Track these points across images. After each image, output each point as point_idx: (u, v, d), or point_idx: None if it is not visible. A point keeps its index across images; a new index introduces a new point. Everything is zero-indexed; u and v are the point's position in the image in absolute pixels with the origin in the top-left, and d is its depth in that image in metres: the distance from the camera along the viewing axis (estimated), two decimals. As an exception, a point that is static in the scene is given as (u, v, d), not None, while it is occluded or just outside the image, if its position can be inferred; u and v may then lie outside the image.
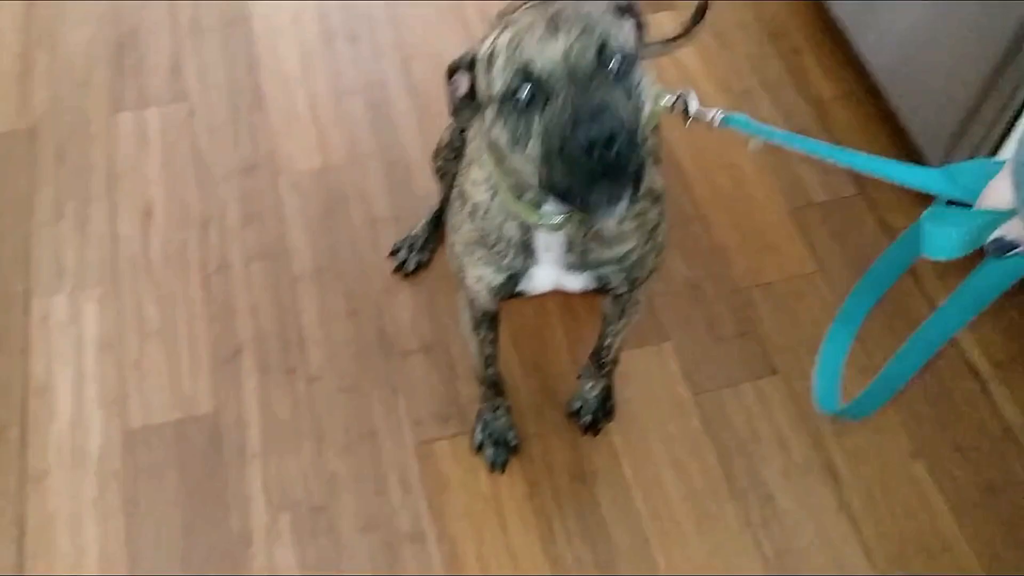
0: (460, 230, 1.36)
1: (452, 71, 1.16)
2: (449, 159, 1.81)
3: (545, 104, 1.04)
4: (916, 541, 1.68)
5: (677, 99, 1.17)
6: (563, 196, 1.07)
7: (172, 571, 1.64)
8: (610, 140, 0.99)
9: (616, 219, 1.18)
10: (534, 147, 1.06)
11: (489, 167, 1.26)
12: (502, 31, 1.09)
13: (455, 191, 1.39)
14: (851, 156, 1.09)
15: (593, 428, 1.78)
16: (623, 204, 1.05)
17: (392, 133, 2.23)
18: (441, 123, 2.18)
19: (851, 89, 2.27)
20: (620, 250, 1.31)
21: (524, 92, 1.04)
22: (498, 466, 1.74)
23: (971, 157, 1.85)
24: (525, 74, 1.04)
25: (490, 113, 1.10)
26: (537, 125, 1.05)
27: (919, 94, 2.00)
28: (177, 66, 2.37)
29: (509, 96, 1.05)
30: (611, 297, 1.52)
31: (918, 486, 1.74)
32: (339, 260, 2.02)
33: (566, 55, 1.03)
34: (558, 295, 1.52)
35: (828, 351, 1.24)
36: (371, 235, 2.05)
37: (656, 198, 1.33)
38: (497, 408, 1.74)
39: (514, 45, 1.05)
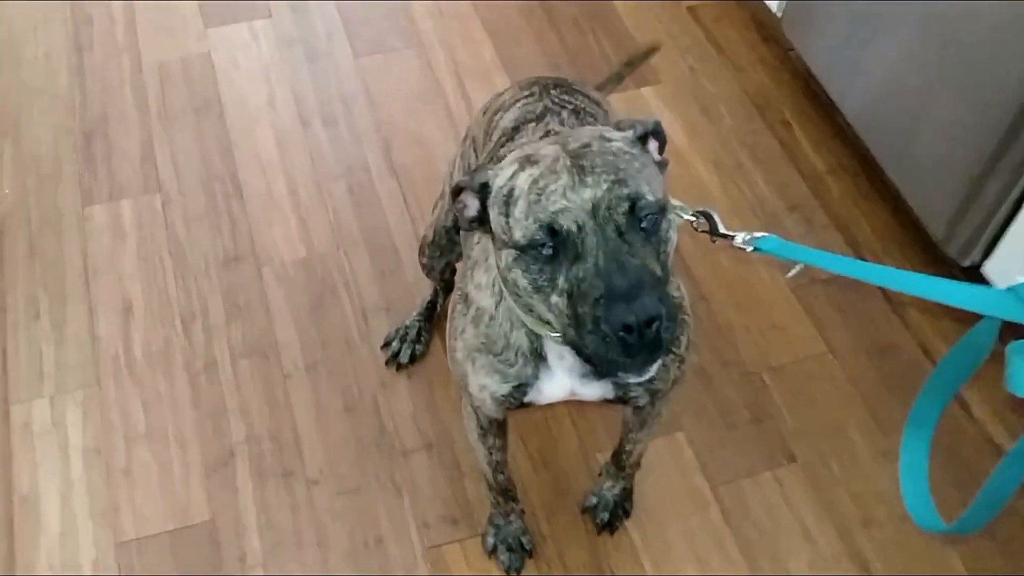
0: (463, 335, 1.31)
1: (457, 191, 1.14)
2: (434, 256, 1.81)
3: (573, 259, 1.02)
4: (953, 635, 1.68)
5: (699, 218, 1.20)
6: (589, 359, 1.06)
7: None
8: (649, 321, 0.98)
9: (646, 376, 1.13)
10: (559, 302, 1.05)
11: (494, 273, 1.22)
12: (522, 167, 1.07)
13: (457, 293, 1.37)
14: (900, 277, 1.11)
15: (610, 527, 1.76)
16: (655, 368, 1.05)
17: (377, 217, 2.23)
18: (427, 206, 2.19)
19: (844, 161, 2.32)
20: None
21: (548, 248, 1.03)
22: (513, 571, 1.71)
23: (978, 233, 1.89)
24: (551, 230, 1.02)
25: (507, 255, 1.07)
26: (563, 282, 1.04)
27: (916, 166, 2.04)
28: (149, 154, 2.35)
29: (532, 248, 1.04)
30: (631, 407, 1.49)
31: None
32: (331, 354, 1.99)
33: (595, 210, 1.01)
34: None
35: (908, 464, 1.22)
36: (363, 326, 2.03)
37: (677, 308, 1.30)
38: (510, 513, 1.70)
39: (537, 192, 1.03)
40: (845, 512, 1.78)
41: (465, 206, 1.13)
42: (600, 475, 1.78)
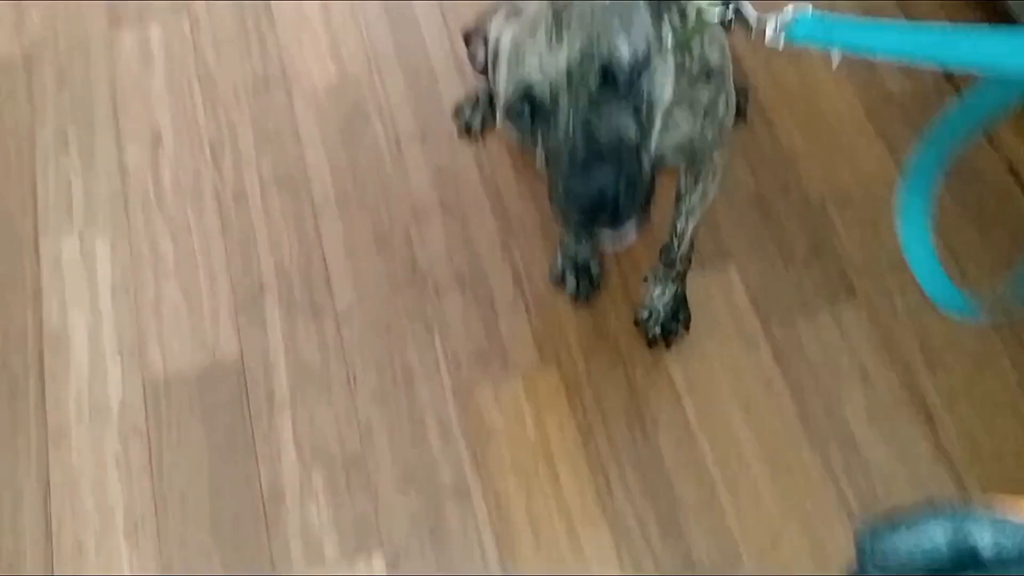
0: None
1: (467, 37, 1.16)
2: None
3: (549, 123, 1.05)
4: (1024, 485, 1.55)
5: (728, 10, 1.06)
6: (568, 222, 1.09)
7: (200, 533, 1.57)
8: (605, 191, 1.01)
9: (626, 244, 1.13)
10: (541, 162, 1.08)
11: None
12: (507, 19, 1.07)
13: None
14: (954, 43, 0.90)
15: (665, 339, 1.66)
16: (629, 234, 1.08)
17: (413, 36, 2.07)
18: (470, 20, 2.03)
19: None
20: (675, 137, 1.24)
21: (526, 112, 1.06)
22: (582, 296, 1.69)
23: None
24: (525, 93, 1.04)
25: (500, 109, 1.10)
26: (541, 142, 1.07)
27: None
28: (178, -28, 2.21)
29: (513, 110, 1.07)
30: (683, 167, 1.45)
31: (1027, 423, 1.59)
32: (363, 185, 1.89)
33: (569, 75, 1.02)
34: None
35: (910, 232, 1.09)
36: (396, 154, 1.92)
37: (709, 75, 1.23)
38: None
39: (515, 55, 1.05)
40: (908, 353, 1.64)
41: (474, 54, 1.16)
42: (645, 280, 1.66)
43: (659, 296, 1.64)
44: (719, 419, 1.62)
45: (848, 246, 1.74)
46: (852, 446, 1.57)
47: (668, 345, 1.66)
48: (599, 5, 1.03)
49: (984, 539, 0.62)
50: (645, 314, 1.67)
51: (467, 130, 1.91)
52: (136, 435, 1.67)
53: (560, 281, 1.70)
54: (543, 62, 1.02)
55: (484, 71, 1.14)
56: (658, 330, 1.66)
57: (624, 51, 1.02)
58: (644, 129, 1.05)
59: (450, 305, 1.75)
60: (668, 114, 1.14)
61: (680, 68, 1.14)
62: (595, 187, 1.01)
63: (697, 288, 1.72)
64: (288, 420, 1.66)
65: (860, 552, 0.66)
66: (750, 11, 1.05)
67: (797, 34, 1.02)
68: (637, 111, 1.05)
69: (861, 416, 1.60)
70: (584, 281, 1.69)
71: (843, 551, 1.50)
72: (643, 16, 1.06)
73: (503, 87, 1.07)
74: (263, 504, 1.59)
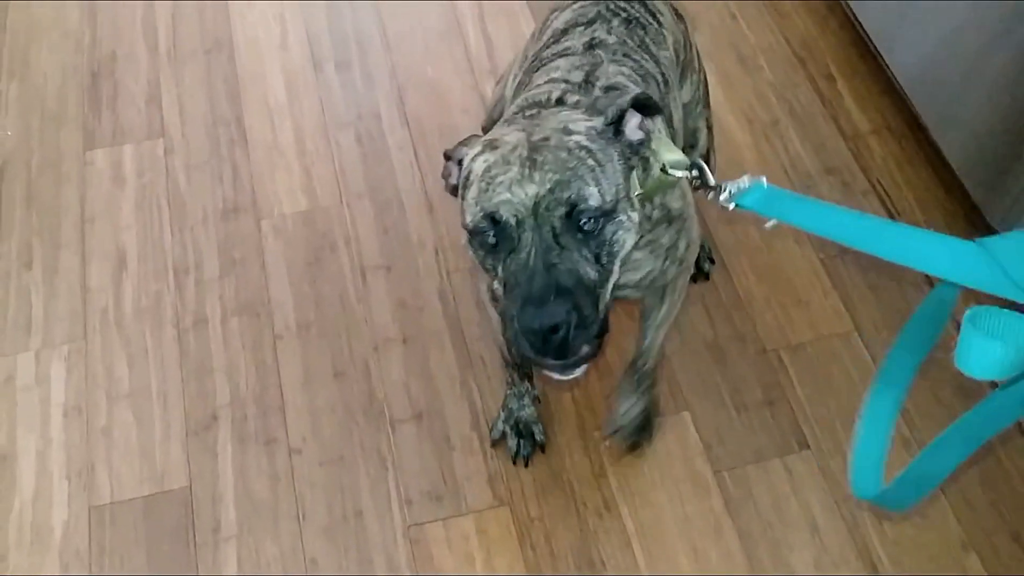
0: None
1: (447, 155, 1.20)
2: None
3: (510, 252, 1.08)
4: (965, 642, 1.56)
5: (692, 170, 1.13)
6: (518, 351, 1.10)
7: (135, 672, 1.54)
8: (559, 327, 1.04)
9: (572, 377, 1.17)
10: (499, 289, 1.11)
11: None
12: (484, 150, 1.12)
13: None
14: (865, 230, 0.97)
15: (633, 447, 1.72)
16: (577, 372, 1.12)
17: (385, 170, 2.14)
18: (438, 159, 2.09)
19: (890, 121, 2.15)
20: (635, 276, 1.29)
21: (490, 236, 1.09)
22: (522, 458, 1.70)
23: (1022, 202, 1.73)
24: (492, 220, 1.08)
25: (464, 233, 1.13)
26: (501, 271, 1.10)
27: (963, 130, 1.88)
28: (155, 96, 2.28)
29: (477, 233, 1.10)
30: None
31: (969, 580, 1.61)
32: (325, 315, 1.91)
33: (536, 207, 1.06)
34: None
35: (869, 423, 1.11)
36: (360, 285, 1.95)
37: (671, 219, 1.29)
38: (523, 395, 1.69)
39: (487, 180, 1.08)
40: (857, 507, 1.66)
41: (450, 173, 1.20)
42: (613, 395, 1.71)
43: (626, 413, 1.69)
44: (668, 564, 1.63)
45: (802, 397, 1.78)
46: (799, 600, 1.58)
47: (637, 454, 1.72)
48: (576, 151, 1.08)
49: None
50: (614, 428, 1.71)
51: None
52: (77, 561, 1.65)
53: (500, 442, 1.72)
54: (513, 190, 1.06)
55: (454, 192, 1.18)
56: (627, 444, 1.71)
57: (593, 197, 1.06)
58: (603, 273, 1.09)
59: (405, 439, 1.76)
60: (628, 256, 1.18)
61: (643, 216, 1.19)
62: (549, 322, 1.03)
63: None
64: (233, 553, 1.65)
65: None
66: (709, 176, 1.11)
67: (746, 202, 1.07)
68: (598, 256, 1.09)
69: (808, 567, 1.61)
70: (527, 443, 1.70)
71: None
72: (616, 168, 1.11)
73: (471, 208, 1.10)
74: (201, 641, 1.56)
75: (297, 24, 2.41)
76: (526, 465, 1.71)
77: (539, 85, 1.35)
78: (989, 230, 1.85)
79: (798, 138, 2.14)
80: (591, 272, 1.08)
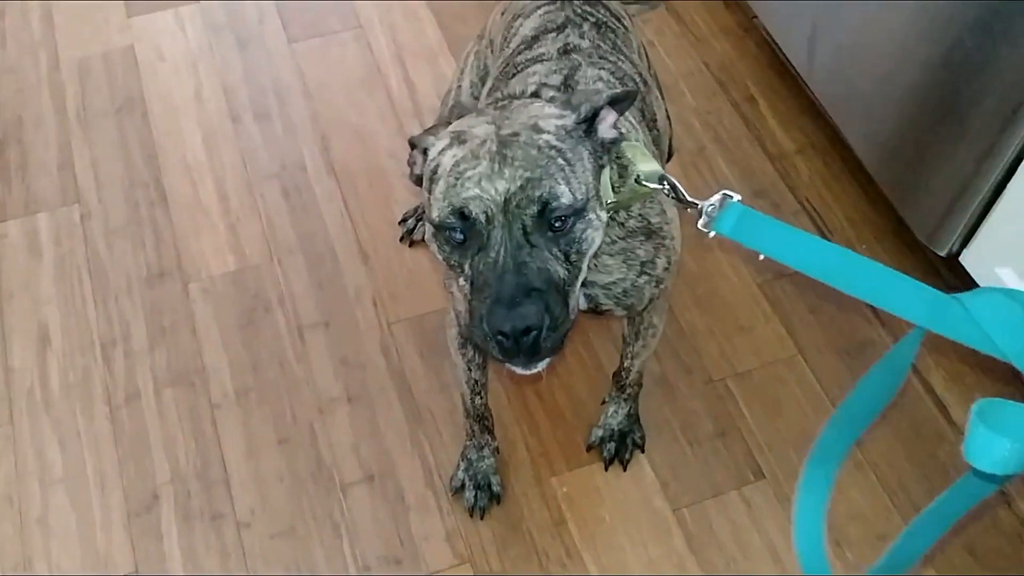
0: None
1: (412, 146, 1.18)
2: None
3: (478, 249, 1.07)
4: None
5: (664, 183, 1.13)
6: (483, 346, 1.09)
7: None
8: (529, 326, 1.03)
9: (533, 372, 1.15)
10: (465, 286, 1.10)
11: None
12: (451, 143, 1.10)
13: None
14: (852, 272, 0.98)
15: (620, 459, 1.73)
16: (540, 366, 1.10)
17: (314, 222, 2.10)
18: (368, 206, 2.08)
19: (815, 140, 2.19)
20: (603, 278, 1.28)
21: (458, 232, 1.07)
22: (478, 511, 1.69)
23: (954, 221, 1.76)
24: (461, 215, 1.06)
25: (428, 228, 1.12)
26: (468, 268, 1.09)
27: (886, 146, 1.92)
28: (67, 161, 2.21)
29: (444, 229, 1.08)
30: (627, 320, 1.51)
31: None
32: (264, 379, 1.87)
33: (506, 204, 1.05)
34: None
35: (805, 503, 1.12)
36: (299, 345, 1.91)
37: (649, 234, 1.29)
38: (483, 447, 1.68)
39: (456, 175, 1.06)
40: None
41: (414, 162, 1.18)
42: (603, 403, 1.75)
43: (613, 415, 1.72)
44: (637, 609, 1.62)
45: (752, 426, 1.79)
46: (767, 633, 1.59)
47: (624, 466, 1.73)
48: (545, 149, 1.07)
49: None
50: (599, 433, 1.74)
51: (409, 238, 2.02)
52: (19, 665, 1.57)
53: (459, 491, 1.71)
54: (483, 185, 1.04)
55: (418, 182, 1.17)
56: (612, 447, 1.72)
57: (565, 196, 1.05)
58: (572, 271, 1.09)
59: (358, 503, 1.72)
60: (598, 258, 1.21)
61: (614, 220, 1.21)
62: (522, 324, 1.03)
63: (608, 475, 1.74)
64: (187, 639, 1.59)
65: None
66: (682, 191, 1.12)
67: (724, 227, 1.07)
68: (567, 255, 1.08)
69: (775, 599, 1.62)
70: (484, 495, 1.69)
71: None
72: (585, 167, 1.10)
73: (438, 203, 1.08)
74: None
75: (211, 76, 2.36)
76: (482, 517, 1.69)
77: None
78: (917, 245, 1.89)
79: (725, 163, 2.16)
80: (561, 271, 1.07)
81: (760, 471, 1.74)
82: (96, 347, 1.91)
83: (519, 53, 1.46)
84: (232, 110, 2.30)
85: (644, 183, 1.15)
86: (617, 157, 1.19)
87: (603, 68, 1.39)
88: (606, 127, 1.14)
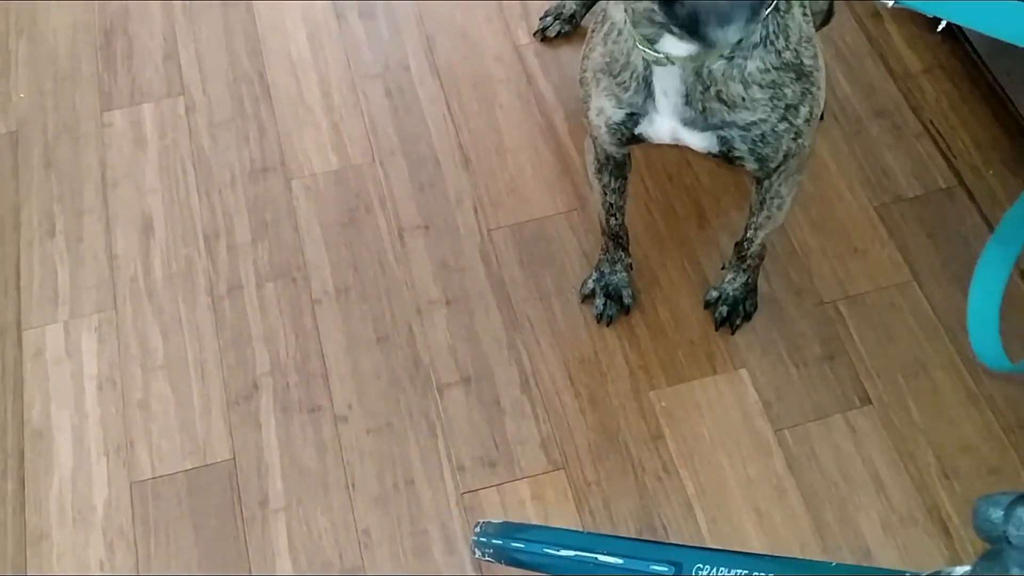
0: (593, 53, 1.36)
1: None
2: None
3: None
4: (1038, 597, 1.54)
5: None
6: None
7: (190, 649, 1.54)
8: None
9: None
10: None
11: None
12: None
13: (599, 10, 1.38)
14: None
15: (729, 323, 1.77)
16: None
17: (417, 124, 2.09)
18: (471, 110, 2.06)
19: (943, 60, 2.10)
20: (745, 116, 1.28)
21: None
22: (605, 318, 1.77)
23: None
24: None
25: None
26: None
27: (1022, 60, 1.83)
28: (172, 53, 2.23)
29: None
30: (755, 183, 1.52)
31: (1038, 532, 1.59)
32: (364, 278, 1.89)
33: None
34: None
35: (980, 287, 1.07)
36: (398, 247, 1.92)
37: (800, 74, 1.27)
38: (616, 262, 1.75)
39: None
40: (924, 462, 1.65)
41: None
42: (723, 268, 1.80)
43: (730, 281, 1.75)
44: (731, 527, 1.61)
45: (862, 351, 1.75)
46: (866, 557, 1.57)
47: (732, 330, 1.77)
48: None
49: None
50: (715, 294, 1.77)
51: (543, 32, 2.17)
52: (122, 539, 1.64)
53: (589, 299, 1.79)
54: None
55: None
56: (724, 310, 1.75)
57: None
58: None
59: (454, 404, 1.74)
60: (746, 88, 1.22)
61: (772, 47, 1.21)
62: None
63: (708, 392, 1.73)
64: (283, 526, 1.64)
65: (987, 521, 0.60)
66: None
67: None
68: None
69: (875, 526, 1.60)
70: (613, 304, 1.77)
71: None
72: None
73: None
74: (257, 617, 1.56)
75: (316, -28, 2.34)
76: (608, 324, 1.77)
77: None
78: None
79: (846, 80, 2.10)
80: None
81: (867, 397, 1.71)
82: (199, 238, 1.94)
83: None
84: (337, 7, 2.29)
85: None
86: None
87: None
88: None
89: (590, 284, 1.79)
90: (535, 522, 1.61)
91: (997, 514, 0.58)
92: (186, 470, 1.69)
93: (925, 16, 2.15)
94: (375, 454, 1.70)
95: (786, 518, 1.62)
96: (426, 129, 2.08)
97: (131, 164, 2.06)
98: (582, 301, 1.79)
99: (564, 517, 1.63)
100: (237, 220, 1.96)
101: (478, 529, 1.40)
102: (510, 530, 1.23)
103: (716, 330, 1.77)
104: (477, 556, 1.43)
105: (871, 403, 1.71)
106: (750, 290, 1.77)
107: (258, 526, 1.64)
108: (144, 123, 2.12)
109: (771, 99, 1.26)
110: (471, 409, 1.74)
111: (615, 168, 1.57)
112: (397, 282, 1.88)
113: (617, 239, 1.72)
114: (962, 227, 1.88)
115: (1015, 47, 1.80)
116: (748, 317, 1.78)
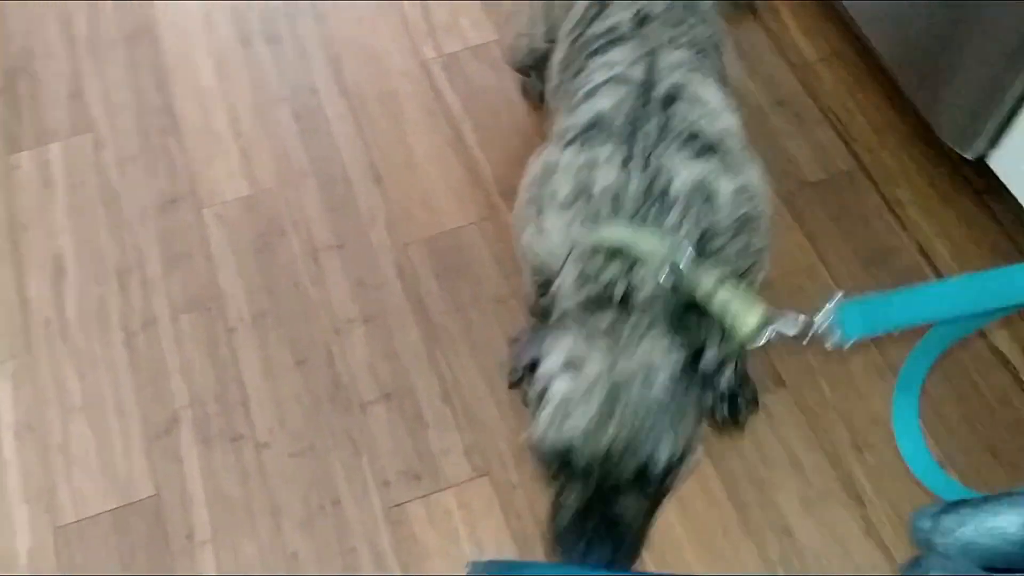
0: None
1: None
2: None
3: (571, 474, 1.09)
4: (957, 562, 1.58)
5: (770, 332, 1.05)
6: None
7: None
8: (601, 559, 1.06)
9: None
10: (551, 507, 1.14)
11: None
12: (565, 369, 1.10)
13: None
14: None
15: (734, 419, 1.68)
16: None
17: (327, 144, 2.10)
18: (381, 128, 2.07)
19: (838, 47, 2.15)
20: None
21: (554, 469, 1.11)
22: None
23: (981, 121, 1.73)
24: (561, 458, 1.09)
25: (532, 443, 1.14)
26: (558, 493, 1.13)
27: (913, 50, 1.87)
28: (78, 90, 2.21)
29: (543, 461, 1.12)
30: None
31: (952, 497, 1.63)
32: (280, 302, 1.88)
33: (606, 457, 1.06)
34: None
35: (903, 432, 1.10)
36: (313, 268, 1.92)
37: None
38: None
39: (564, 411, 1.08)
40: (836, 438, 1.68)
41: (518, 358, 1.26)
42: None
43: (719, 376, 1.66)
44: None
45: (773, 336, 1.78)
46: (787, 533, 1.60)
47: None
48: (655, 401, 1.06)
49: None
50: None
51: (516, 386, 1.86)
52: (48, 584, 1.62)
53: (517, 385, 1.70)
54: (588, 437, 1.06)
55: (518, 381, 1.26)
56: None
57: (663, 456, 1.06)
58: (652, 510, 1.12)
59: (376, 421, 1.75)
60: None
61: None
62: (580, 554, 1.07)
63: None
64: (211, 557, 1.63)
65: (918, 530, 0.63)
66: (790, 323, 1.03)
67: (853, 331, 0.98)
68: (655, 500, 1.11)
69: (794, 503, 1.63)
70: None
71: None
72: (692, 418, 1.11)
73: (541, 429, 1.10)
74: (188, 650, 1.55)
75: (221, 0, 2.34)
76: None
77: (595, 87, 1.33)
78: (943, 151, 1.86)
79: (746, 72, 2.13)
80: (642, 514, 1.10)
81: (781, 379, 1.74)
82: (112, 275, 1.93)
83: (591, 22, 1.42)
84: (242, 34, 2.29)
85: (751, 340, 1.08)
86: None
87: (680, 47, 1.34)
88: (709, 360, 1.13)
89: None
90: (507, 556, 1.60)
91: (926, 524, 0.61)
92: (110, 510, 1.68)
93: (819, 5, 2.19)
94: (299, 477, 1.70)
95: (708, 504, 1.64)
96: (335, 149, 2.08)
97: (40, 205, 2.04)
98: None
99: (491, 522, 1.64)
100: (149, 254, 1.95)
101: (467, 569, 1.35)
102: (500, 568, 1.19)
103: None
104: None
105: (785, 386, 1.73)
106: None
107: (187, 559, 1.63)
108: (52, 163, 2.10)
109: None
110: (393, 425, 1.74)
111: None
112: (314, 304, 1.88)
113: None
114: (863, 207, 1.92)
115: (900, 31, 1.85)
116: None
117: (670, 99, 1.29)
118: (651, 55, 1.33)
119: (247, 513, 1.66)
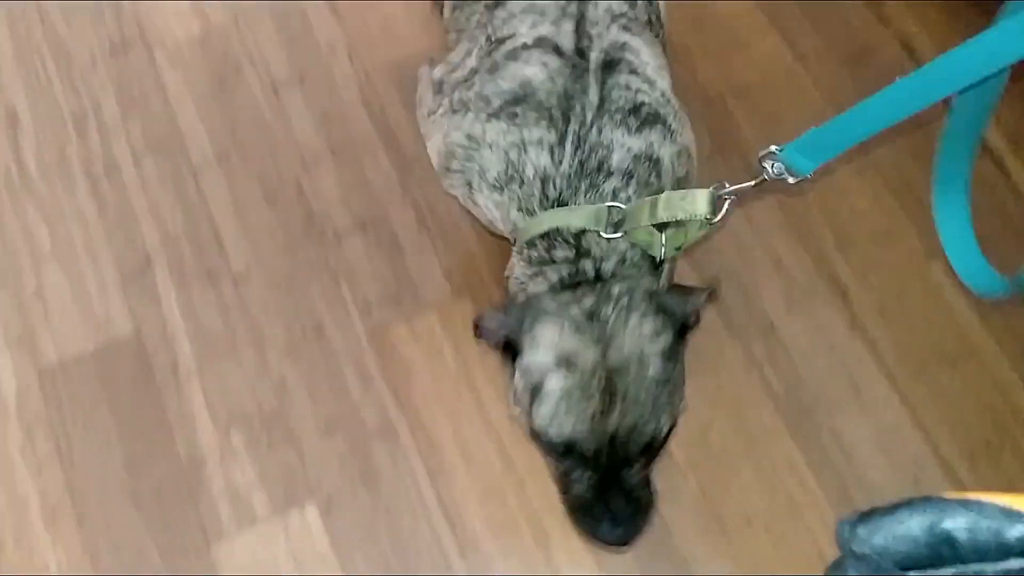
0: None
1: (477, 325, 1.44)
2: None
3: (581, 461, 1.37)
4: (938, 350, 1.84)
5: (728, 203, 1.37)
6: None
7: (123, 512, 1.77)
8: (625, 537, 1.39)
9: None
10: (560, 479, 1.43)
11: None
12: (557, 365, 1.32)
13: None
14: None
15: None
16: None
17: (277, -25, 2.27)
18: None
19: None
20: None
21: (560, 452, 1.36)
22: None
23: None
24: (567, 447, 1.34)
25: (532, 432, 1.41)
26: (567, 474, 1.40)
27: None
28: (9, -62, 2.38)
29: (548, 448, 1.38)
30: None
31: (936, 290, 1.88)
32: (243, 139, 2.09)
33: (614, 438, 1.32)
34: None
35: (947, 226, 1.28)
36: (275, 104, 2.12)
37: None
38: None
39: (566, 407, 1.31)
40: (819, 235, 1.92)
41: (489, 332, 1.45)
42: None
43: None
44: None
45: (751, 138, 2.01)
46: (772, 332, 1.85)
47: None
48: (652, 383, 1.32)
49: (958, 523, 0.76)
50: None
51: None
52: (40, 424, 1.85)
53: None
54: (594, 427, 1.31)
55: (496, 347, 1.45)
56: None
57: (665, 428, 1.35)
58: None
59: (352, 251, 1.97)
60: None
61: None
62: (616, 537, 1.37)
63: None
64: (198, 387, 1.87)
65: (839, 537, 0.86)
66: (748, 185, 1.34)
67: (803, 166, 1.24)
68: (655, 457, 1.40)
69: (779, 303, 1.87)
70: None
71: (770, 432, 1.77)
72: (681, 384, 1.39)
73: (545, 424, 1.34)
74: (184, 473, 1.80)
75: None
76: None
77: (519, 49, 1.51)
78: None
79: None
80: (649, 488, 1.42)
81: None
82: (68, 123, 2.13)
83: None
84: None
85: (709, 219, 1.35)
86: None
87: None
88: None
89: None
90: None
91: (845, 531, 0.84)
92: (92, 351, 1.91)
93: None
94: (279, 307, 1.93)
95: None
96: (289, -18, 2.27)
97: (-16, 60, 2.23)
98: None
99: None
100: (104, 100, 2.15)
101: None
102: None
103: None
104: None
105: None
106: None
107: (172, 392, 1.87)
108: (-9, 17, 2.28)
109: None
110: (370, 252, 1.97)
111: None
112: (278, 139, 2.09)
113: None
114: (841, 5, 2.13)
115: None
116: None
117: (607, 67, 1.46)
118: (580, 14, 1.49)
119: (230, 344, 1.90)
